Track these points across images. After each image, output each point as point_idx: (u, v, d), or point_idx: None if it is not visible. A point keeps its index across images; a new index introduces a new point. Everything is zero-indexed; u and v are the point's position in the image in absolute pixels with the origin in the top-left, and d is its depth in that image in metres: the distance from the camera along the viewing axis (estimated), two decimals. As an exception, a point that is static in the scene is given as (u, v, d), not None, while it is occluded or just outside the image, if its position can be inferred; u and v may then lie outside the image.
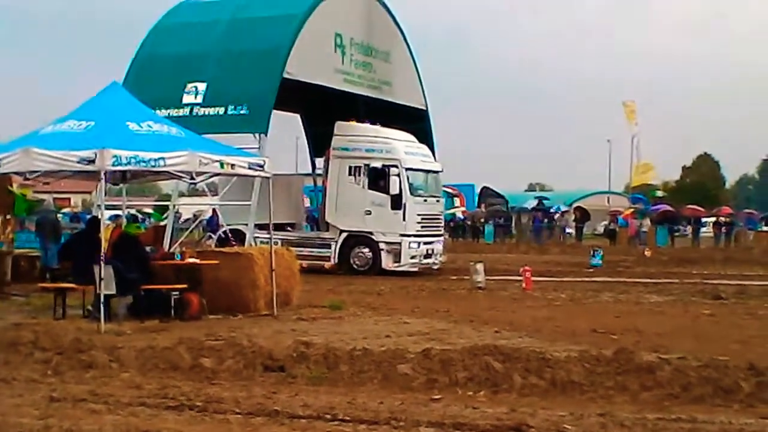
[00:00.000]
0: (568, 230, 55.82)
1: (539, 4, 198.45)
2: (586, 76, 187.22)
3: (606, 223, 57.42)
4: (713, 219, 55.23)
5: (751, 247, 47.06)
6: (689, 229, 53.38)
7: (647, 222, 51.56)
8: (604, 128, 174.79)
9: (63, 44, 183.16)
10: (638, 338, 13.27)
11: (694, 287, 22.97)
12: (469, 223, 58.95)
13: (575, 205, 67.07)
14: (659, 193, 66.48)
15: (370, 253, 27.37)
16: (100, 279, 14.16)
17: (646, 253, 38.29)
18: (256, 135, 25.30)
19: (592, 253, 32.51)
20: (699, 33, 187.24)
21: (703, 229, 53.49)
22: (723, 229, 51.37)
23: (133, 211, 40.51)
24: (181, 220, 38.70)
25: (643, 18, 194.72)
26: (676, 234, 51.71)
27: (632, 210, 56.70)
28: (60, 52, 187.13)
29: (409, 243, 27.24)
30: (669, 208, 59.27)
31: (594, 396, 9.29)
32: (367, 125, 28.83)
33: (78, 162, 14.24)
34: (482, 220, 59.19)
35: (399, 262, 27.20)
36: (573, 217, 57.89)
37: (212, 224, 32.92)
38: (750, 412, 8.60)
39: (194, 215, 41.89)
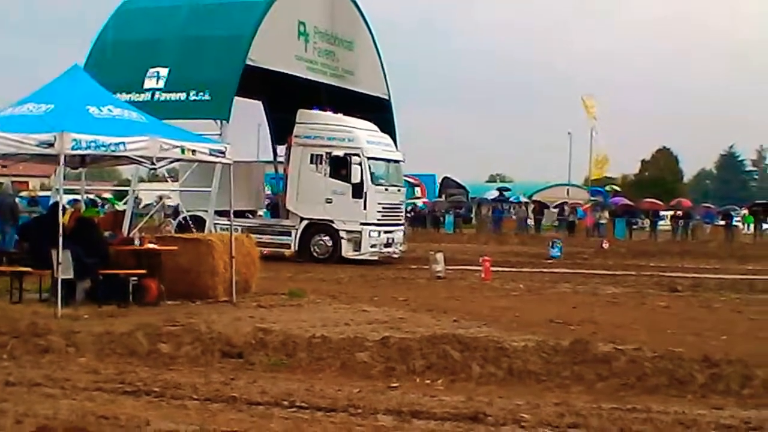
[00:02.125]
0: (527, 221, 56.10)
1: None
2: (549, 68, 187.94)
3: (565, 214, 57.79)
4: (671, 212, 55.73)
5: (708, 241, 47.58)
6: (647, 222, 53.84)
7: (606, 214, 51.97)
8: (566, 121, 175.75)
9: (23, 24, 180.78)
10: (595, 329, 13.38)
11: (651, 279, 23.18)
12: (429, 212, 59.05)
13: (534, 197, 67.49)
14: (612, 188, 66.90)
15: (331, 242, 27.36)
16: (58, 263, 14.05)
17: (604, 245, 38.58)
18: (218, 121, 25.18)
19: (550, 244, 32.70)
20: (661, 27, 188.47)
21: (661, 223, 53.98)
22: (680, 223, 51.88)
23: (92, 196, 40.19)
24: (141, 205, 38.47)
25: (607, 13, 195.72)
26: (634, 227, 52.14)
27: (591, 203, 57.12)
28: (19, 32, 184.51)
29: (370, 232, 27.27)
30: (627, 201, 59.79)
31: (551, 385, 9.36)
32: (329, 113, 28.77)
33: (37, 145, 14.09)
34: (443, 210, 59.35)
35: (359, 250, 27.22)
36: (531, 207, 58.21)
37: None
38: (703, 403, 8.70)
39: (157, 200, 41.64)
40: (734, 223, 54.04)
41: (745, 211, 60.96)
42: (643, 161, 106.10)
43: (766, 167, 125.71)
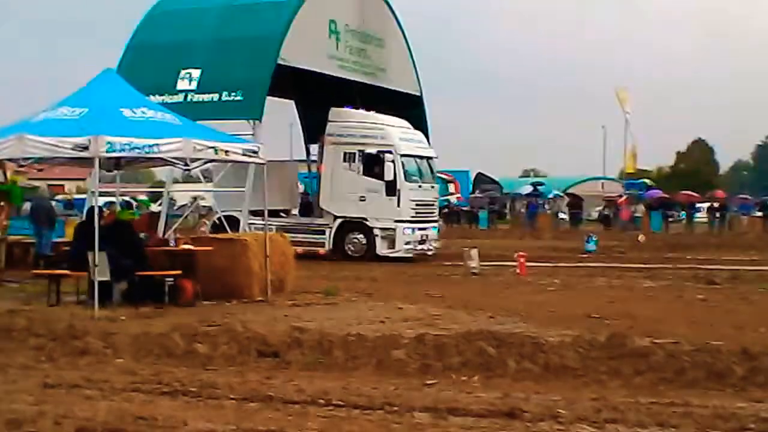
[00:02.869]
0: (561, 216, 55.86)
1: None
2: (581, 62, 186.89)
3: (600, 208, 57.44)
4: (707, 204, 55.26)
5: (745, 232, 47.14)
6: (684, 214, 53.43)
7: (641, 207, 51.63)
8: (600, 114, 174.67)
9: (55, 27, 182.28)
10: (632, 323, 13.28)
11: (688, 272, 23.00)
12: (465, 208, 58.90)
13: (568, 191, 67.13)
14: (646, 181, 66.51)
15: (365, 239, 27.38)
16: (95, 265, 14.16)
17: (640, 238, 38.33)
18: (251, 121, 25.26)
19: (586, 238, 32.54)
20: (693, 19, 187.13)
21: (698, 215, 53.55)
22: (717, 215, 51.44)
23: (127, 198, 40.46)
24: (176, 206, 38.69)
25: (637, 6, 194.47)
26: (671, 220, 51.75)
27: (626, 196, 56.76)
28: (52, 36, 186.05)
29: (404, 229, 27.25)
30: (663, 193, 59.34)
31: (587, 381, 9.31)
32: (361, 111, 28.81)
33: (72, 149, 14.23)
34: (477, 206, 59.20)
35: (393, 248, 27.21)
36: (566, 201, 57.93)
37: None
38: (743, 396, 8.63)
39: (191, 201, 41.88)
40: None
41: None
42: (678, 153, 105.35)
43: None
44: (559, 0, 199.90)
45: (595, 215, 58.66)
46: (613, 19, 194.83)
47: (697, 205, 55.53)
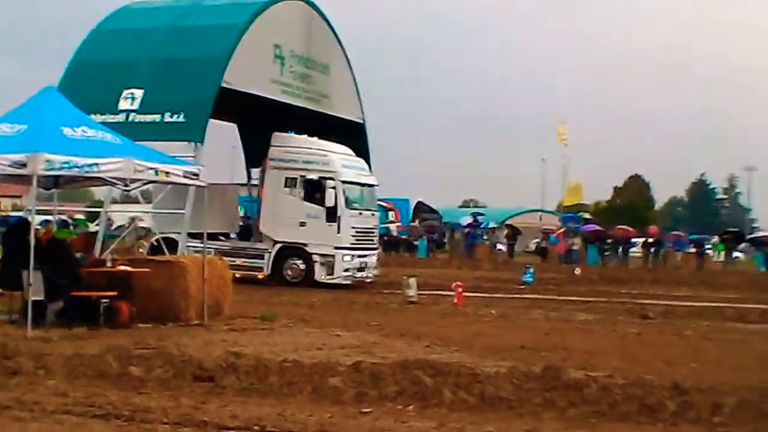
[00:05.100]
0: (499, 247, 56.23)
1: (475, 21, 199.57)
2: (522, 93, 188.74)
3: (538, 240, 57.94)
4: (642, 239, 55.99)
5: (679, 268, 47.86)
6: (620, 249, 54.03)
7: (578, 240, 52.15)
8: (541, 147, 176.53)
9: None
10: (567, 355, 13.43)
11: (623, 306, 23.30)
12: (403, 237, 59.01)
13: (507, 222, 67.61)
14: (584, 215, 67.29)
15: (304, 265, 27.33)
16: (29, 284, 13.96)
17: (576, 271, 38.72)
18: (192, 143, 25.15)
19: (523, 270, 32.79)
20: (628, 51, 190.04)
21: (633, 249, 54.21)
22: (652, 250, 52.13)
23: (64, 217, 39.93)
24: (113, 226, 38.25)
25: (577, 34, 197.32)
26: (606, 254, 52.33)
27: (563, 229, 57.32)
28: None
29: (343, 256, 27.26)
30: (599, 227, 59.96)
31: (522, 412, 9.38)
32: (304, 137, 28.79)
33: (9, 165, 14.05)
34: (416, 235, 59.31)
35: (332, 274, 27.19)
36: (504, 233, 58.33)
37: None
38: (673, 431, 8.74)
39: (129, 221, 41.42)
40: (706, 250, 54.40)
41: (716, 239, 61.35)
42: (615, 188, 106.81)
43: (736, 195, 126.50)
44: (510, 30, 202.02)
45: (533, 247, 59.15)
46: (558, 48, 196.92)
47: (633, 240, 56.22)
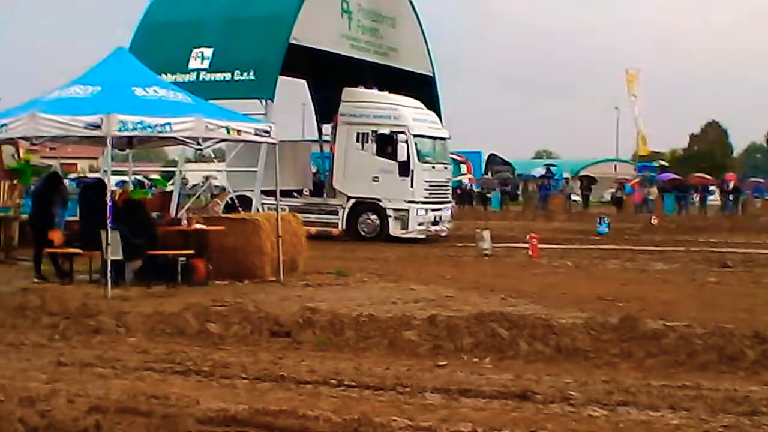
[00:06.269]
0: (574, 197, 55.75)
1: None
2: (595, 43, 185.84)
3: (613, 190, 57.28)
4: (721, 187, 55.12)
5: (759, 215, 46.96)
6: (697, 197, 53.26)
7: (654, 190, 51.50)
8: (614, 96, 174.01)
9: (67, 10, 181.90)
10: (644, 306, 13.25)
11: (701, 255, 22.93)
12: (477, 190, 58.79)
13: (581, 173, 66.96)
14: (660, 164, 66.30)
15: (378, 220, 27.33)
16: (107, 244, 14.18)
17: (653, 221, 38.22)
18: (263, 101, 25.28)
19: (598, 220, 32.47)
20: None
21: (711, 198, 53.38)
22: (730, 198, 51.27)
23: (139, 177, 40.52)
24: (188, 186, 38.73)
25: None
26: (683, 202, 51.62)
27: (639, 178, 56.62)
28: (64, 18, 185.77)
29: (417, 210, 27.19)
30: (676, 176, 59.16)
31: (599, 363, 9.30)
32: (374, 91, 28.72)
33: (84, 127, 14.23)
34: (490, 187, 59.10)
35: (406, 228, 27.16)
36: (579, 184, 57.82)
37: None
38: (755, 380, 8.60)
39: (203, 180, 41.93)
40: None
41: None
42: (691, 135, 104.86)
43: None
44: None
45: (608, 197, 58.51)
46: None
47: (710, 187, 55.36)
